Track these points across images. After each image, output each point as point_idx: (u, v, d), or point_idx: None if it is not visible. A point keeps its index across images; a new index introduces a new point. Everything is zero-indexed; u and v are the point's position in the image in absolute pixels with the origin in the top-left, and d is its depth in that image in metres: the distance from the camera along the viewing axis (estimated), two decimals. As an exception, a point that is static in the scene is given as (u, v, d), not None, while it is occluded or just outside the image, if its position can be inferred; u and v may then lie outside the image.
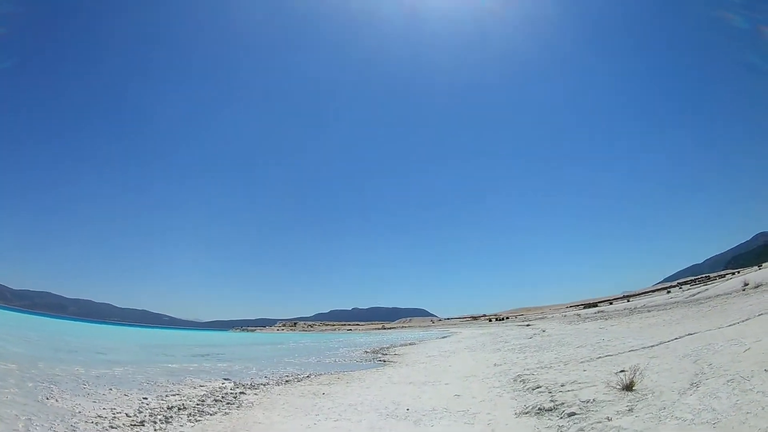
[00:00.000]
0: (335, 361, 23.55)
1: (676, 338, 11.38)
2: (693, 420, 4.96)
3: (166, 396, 10.05)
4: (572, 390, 7.52)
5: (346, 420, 7.98)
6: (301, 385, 13.11)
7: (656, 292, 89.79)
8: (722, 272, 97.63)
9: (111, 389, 10.19)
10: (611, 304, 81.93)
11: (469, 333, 55.20)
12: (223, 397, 10.45)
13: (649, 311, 28.30)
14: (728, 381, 5.81)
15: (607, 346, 13.23)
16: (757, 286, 23.68)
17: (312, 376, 15.40)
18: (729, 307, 17.81)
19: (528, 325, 48.21)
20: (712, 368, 6.68)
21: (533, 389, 8.50)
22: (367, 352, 30.13)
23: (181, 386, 11.72)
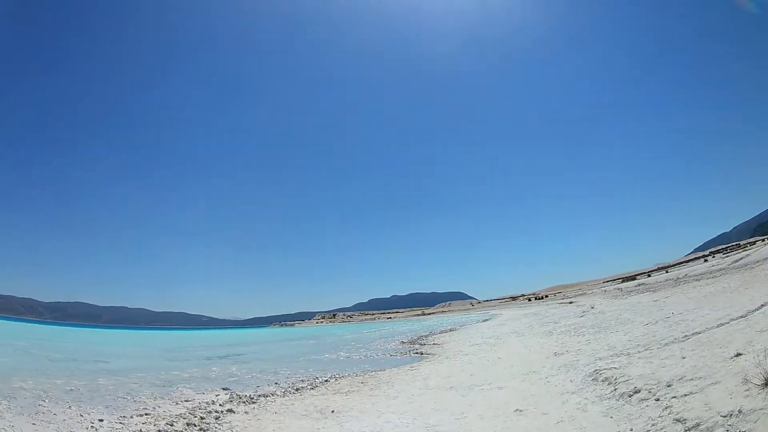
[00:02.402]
0: (366, 356, 20.74)
1: (763, 305, 9.63)
2: None
3: (131, 416, 7.82)
4: (691, 393, 4.60)
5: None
6: (312, 396, 10.32)
7: (691, 262, 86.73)
8: (752, 239, 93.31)
9: (70, 407, 8.27)
10: (649, 276, 78.00)
11: (511, 314, 51.55)
12: (201, 419, 7.91)
13: (697, 280, 26.07)
14: None
15: (683, 321, 10.82)
16: (809, 250, 21.58)
17: (331, 380, 12.68)
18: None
19: (571, 303, 45.25)
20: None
21: (630, 395, 5.39)
22: (403, 342, 27.26)
23: (161, 401, 9.50)
